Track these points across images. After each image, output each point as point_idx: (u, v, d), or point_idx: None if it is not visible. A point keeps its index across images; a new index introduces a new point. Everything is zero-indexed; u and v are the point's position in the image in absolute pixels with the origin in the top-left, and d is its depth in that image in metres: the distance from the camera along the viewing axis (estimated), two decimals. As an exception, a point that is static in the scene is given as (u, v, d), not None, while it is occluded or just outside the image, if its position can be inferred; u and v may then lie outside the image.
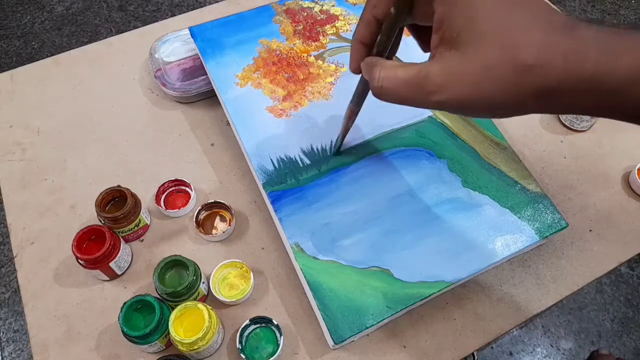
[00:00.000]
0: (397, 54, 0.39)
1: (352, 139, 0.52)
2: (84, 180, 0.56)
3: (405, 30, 0.37)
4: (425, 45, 0.36)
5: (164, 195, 0.54)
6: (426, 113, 0.55)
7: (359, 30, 0.36)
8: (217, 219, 0.53)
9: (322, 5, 0.62)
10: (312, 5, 0.62)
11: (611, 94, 0.25)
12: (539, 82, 0.26)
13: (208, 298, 0.49)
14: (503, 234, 0.48)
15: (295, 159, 0.51)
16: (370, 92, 0.40)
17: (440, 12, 0.29)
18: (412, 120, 0.54)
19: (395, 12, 0.32)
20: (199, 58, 0.60)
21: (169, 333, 0.43)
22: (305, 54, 0.58)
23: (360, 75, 0.38)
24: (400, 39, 0.37)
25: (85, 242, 0.48)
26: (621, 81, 0.24)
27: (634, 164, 0.58)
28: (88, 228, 0.47)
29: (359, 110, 0.44)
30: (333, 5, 0.62)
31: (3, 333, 1.19)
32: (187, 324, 0.43)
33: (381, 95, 0.33)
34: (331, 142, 0.52)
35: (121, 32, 0.75)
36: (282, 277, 0.50)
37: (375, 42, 0.35)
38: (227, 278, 0.49)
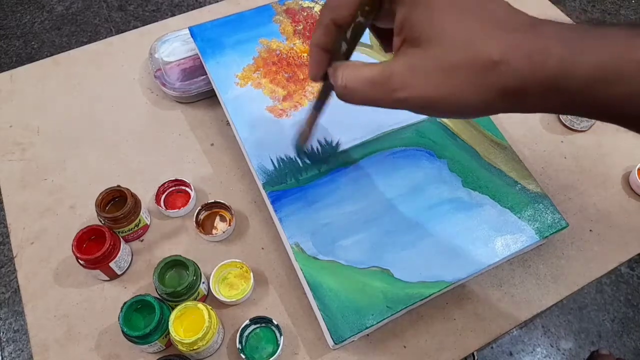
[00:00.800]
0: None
1: (352, 138, 0.52)
2: (83, 180, 0.56)
3: None
4: (387, 45, 0.36)
5: (164, 195, 0.54)
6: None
7: (319, 37, 0.33)
8: (217, 219, 0.53)
9: (322, 5, 0.62)
10: (312, 5, 0.62)
11: (576, 92, 0.24)
12: (504, 81, 0.25)
13: (208, 298, 0.49)
14: (503, 234, 0.48)
15: (295, 159, 0.51)
16: (331, 99, 0.40)
17: (401, 14, 0.28)
18: (412, 120, 0.54)
19: (364, 21, 0.31)
20: (199, 58, 0.60)
21: (169, 333, 0.43)
22: (305, 54, 0.58)
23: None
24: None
25: (85, 242, 0.48)
26: (585, 79, 0.24)
27: (634, 164, 0.58)
28: (88, 228, 0.47)
29: (319, 115, 0.42)
30: (333, 5, 0.62)
31: (3, 333, 1.19)
32: (187, 324, 0.43)
33: (345, 95, 0.32)
34: (331, 141, 0.52)
35: (121, 32, 0.75)
36: (282, 277, 0.50)
37: (341, 51, 0.34)
38: (227, 278, 0.49)
